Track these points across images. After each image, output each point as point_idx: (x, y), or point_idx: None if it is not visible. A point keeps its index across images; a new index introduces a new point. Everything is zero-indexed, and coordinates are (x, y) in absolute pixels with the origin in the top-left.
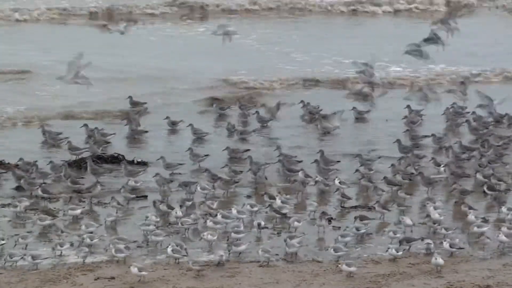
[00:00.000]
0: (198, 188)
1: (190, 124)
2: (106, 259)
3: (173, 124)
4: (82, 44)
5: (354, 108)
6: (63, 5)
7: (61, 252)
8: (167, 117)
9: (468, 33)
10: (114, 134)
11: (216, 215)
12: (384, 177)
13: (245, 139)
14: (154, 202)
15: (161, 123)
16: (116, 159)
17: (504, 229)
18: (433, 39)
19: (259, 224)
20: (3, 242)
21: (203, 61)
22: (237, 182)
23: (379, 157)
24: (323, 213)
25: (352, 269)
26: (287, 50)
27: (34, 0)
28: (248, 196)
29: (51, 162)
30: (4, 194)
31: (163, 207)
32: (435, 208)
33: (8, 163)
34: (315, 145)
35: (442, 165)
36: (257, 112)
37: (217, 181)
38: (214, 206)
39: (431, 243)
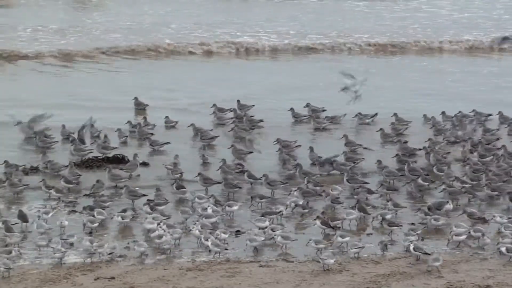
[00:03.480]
0: (196, 199)
1: (192, 124)
2: (106, 259)
3: (167, 123)
4: None
5: (358, 113)
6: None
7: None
8: (166, 117)
9: None
10: (126, 136)
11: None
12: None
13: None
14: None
15: None
16: (118, 160)
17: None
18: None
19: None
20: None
21: None
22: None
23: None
24: (323, 213)
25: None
26: None
27: None
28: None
29: (49, 161)
30: None
31: (146, 209)
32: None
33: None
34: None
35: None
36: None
37: (210, 185)
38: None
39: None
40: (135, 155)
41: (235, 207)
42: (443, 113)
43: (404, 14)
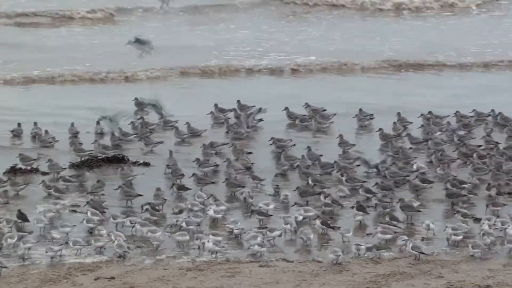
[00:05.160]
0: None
1: (187, 123)
2: (106, 259)
3: (165, 123)
4: None
5: (360, 109)
6: None
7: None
8: (163, 117)
9: None
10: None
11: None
12: (376, 183)
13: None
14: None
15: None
16: (118, 160)
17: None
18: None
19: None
20: None
21: None
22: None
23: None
24: (323, 213)
25: None
26: None
27: None
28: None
29: (49, 160)
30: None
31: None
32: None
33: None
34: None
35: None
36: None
37: (205, 185)
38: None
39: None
40: (171, 152)
41: (223, 207)
42: (430, 112)
43: None
